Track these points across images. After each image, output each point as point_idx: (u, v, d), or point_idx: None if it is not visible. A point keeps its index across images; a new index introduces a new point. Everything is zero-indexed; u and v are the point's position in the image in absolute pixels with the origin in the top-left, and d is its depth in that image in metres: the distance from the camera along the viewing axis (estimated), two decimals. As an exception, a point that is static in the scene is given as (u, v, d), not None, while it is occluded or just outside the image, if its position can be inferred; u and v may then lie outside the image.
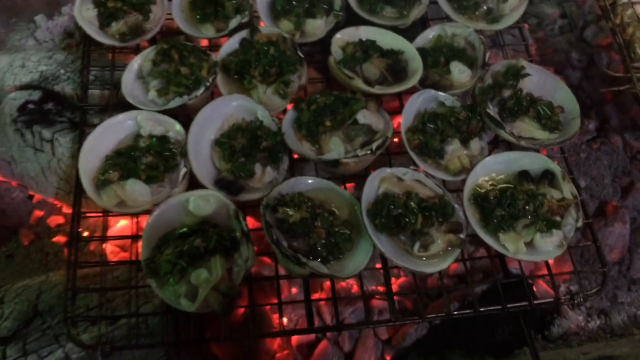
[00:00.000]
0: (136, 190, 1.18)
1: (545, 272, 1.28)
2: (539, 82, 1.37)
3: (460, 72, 1.34)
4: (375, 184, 1.21)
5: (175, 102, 1.27)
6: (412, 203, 1.16)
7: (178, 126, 1.26)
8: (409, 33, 1.43)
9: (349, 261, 1.15)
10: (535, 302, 1.22)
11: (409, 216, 1.15)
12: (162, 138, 1.24)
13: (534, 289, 1.43)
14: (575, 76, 1.87)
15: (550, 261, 1.29)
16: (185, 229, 1.15)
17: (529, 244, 1.19)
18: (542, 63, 1.83)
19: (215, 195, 1.16)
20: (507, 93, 1.32)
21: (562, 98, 1.35)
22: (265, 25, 1.44)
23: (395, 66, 1.33)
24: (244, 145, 1.22)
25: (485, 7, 1.47)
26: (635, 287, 1.58)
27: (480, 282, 1.41)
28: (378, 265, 1.29)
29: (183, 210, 1.16)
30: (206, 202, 1.15)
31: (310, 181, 1.22)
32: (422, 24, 1.52)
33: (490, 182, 1.27)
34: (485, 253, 1.41)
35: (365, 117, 1.25)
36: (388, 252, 1.13)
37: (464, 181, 1.25)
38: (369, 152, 1.20)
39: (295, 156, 1.31)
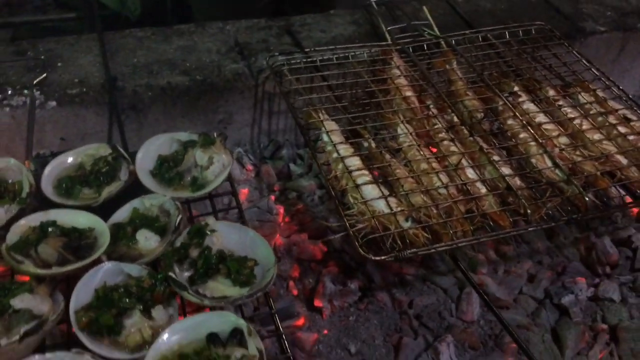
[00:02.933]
0: None
1: None
2: (239, 239, 1.32)
3: (146, 240, 1.28)
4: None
5: None
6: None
7: None
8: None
9: None
10: None
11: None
12: None
13: None
14: (337, 240, 1.85)
15: None
16: None
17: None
18: (302, 231, 1.82)
19: None
20: (194, 253, 1.25)
21: (261, 252, 1.29)
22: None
23: (73, 243, 1.25)
24: None
25: (189, 177, 1.46)
26: None
27: None
28: None
29: None
30: None
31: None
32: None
33: (177, 353, 1.12)
34: None
35: (23, 301, 1.11)
36: None
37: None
38: (15, 340, 1.04)
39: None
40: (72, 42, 2.07)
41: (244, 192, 1.96)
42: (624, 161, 1.65)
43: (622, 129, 1.75)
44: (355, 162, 1.55)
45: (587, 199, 1.51)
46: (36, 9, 4.19)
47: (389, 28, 2.12)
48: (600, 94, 1.91)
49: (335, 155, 1.56)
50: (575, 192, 1.53)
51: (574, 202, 1.55)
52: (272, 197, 1.84)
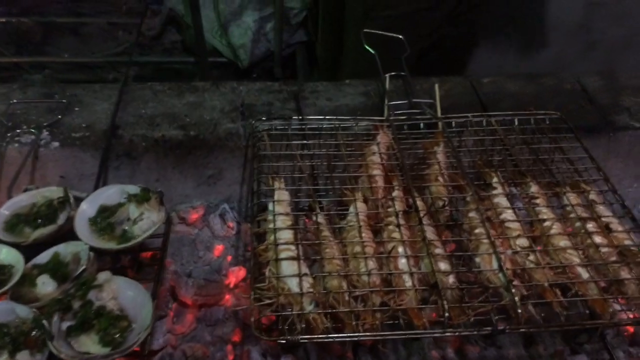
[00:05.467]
0: None
1: None
2: (133, 297, 1.36)
3: (43, 284, 1.36)
4: None
5: None
6: None
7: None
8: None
9: None
10: None
11: None
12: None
13: None
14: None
15: None
16: None
17: None
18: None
19: None
20: (76, 305, 1.31)
21: (146, 314, 1.32)
22: None
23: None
24: None
25: (121, 229, 1.54)
26: None
27: None
28: None
29: None
30: None
31: None
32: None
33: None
34: None
35: None
36: None
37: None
38: None
39: None
40: (96, 90, 2.27)
41: (218, 248, 2.02)
42: (585, 275, 1.50)
43: (598, 239, 1.59)
44: (287, 235, 1.55)
45: (519, 310, 1.38)
46: (164, 51, 4.66)
47: (389, 103, 2.10)
48: (592, 196, 1.76)
49: (271, 225, 1.57)
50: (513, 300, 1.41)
51: (509, 312, 1.43)
52: (229, 257, 1.87)
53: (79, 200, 1.63)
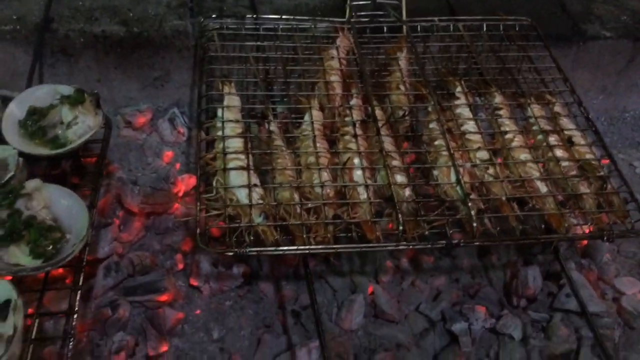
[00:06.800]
0: None
1: None
2: (68, 206, 1.27)
3: (-36, 192, 1.25)
4: None
5: None
6: None
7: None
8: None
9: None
10: None
11: None
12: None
13: None
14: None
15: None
16: None
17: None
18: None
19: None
20: (3, 214, 1.21)
21: (82, 225, 1.23)
22: None
23: None
24: None
25: (53, 133, 1.41)
26: None
27: None
28: None
29: None
30: None
31: None
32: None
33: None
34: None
35: None
36: None
37: None
38: None
39: None
40: (29, -22, 2.04)
41: (168, 154, 1.91)
42: (544, 189, 1.46)
43: (559, 153, 1.55)
44: (236, 144, 1.45)
45: (474, 224, 1.34)
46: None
47: (352, 3, 1.95)
48: (557, 109, 1.69)
49: (219, 133, 1.47)
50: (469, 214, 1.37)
51: (464, 225, 1.39)
52: (178, 165, 1.78)
53: (8, 101, 1.48)
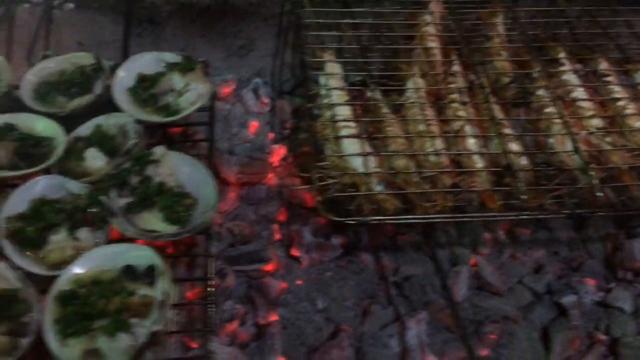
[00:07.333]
0: None
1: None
2: (190, 174, 1.25)
3: (93, 159, 1.24)
4: None
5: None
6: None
7: None
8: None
9: None
10: None
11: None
12: None
13: None
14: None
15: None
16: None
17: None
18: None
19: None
20: (134, 180, 1.19)
21: (205, 193, 1.22)
22: None
23: (27, 150, 1.24)
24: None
25: (164, 101, 1.39)
26: None
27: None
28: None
29: None
30: None
31: None
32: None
33: (92, 278, 1.09)
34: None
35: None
36: None
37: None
38: None
39: None
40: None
41: (253, 124, 1.88)
42: (664, 158, 1.41)
43: (675, 121, 1.49)
44: (345, 111, 1.42)
45: (598, 194, 1.30)
46: None
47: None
48: (666, 75, 1.63)
49: (326, 100, 1.43)
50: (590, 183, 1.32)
51: (585, 195, 1.35)
52: (271, 135, 1.75)
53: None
